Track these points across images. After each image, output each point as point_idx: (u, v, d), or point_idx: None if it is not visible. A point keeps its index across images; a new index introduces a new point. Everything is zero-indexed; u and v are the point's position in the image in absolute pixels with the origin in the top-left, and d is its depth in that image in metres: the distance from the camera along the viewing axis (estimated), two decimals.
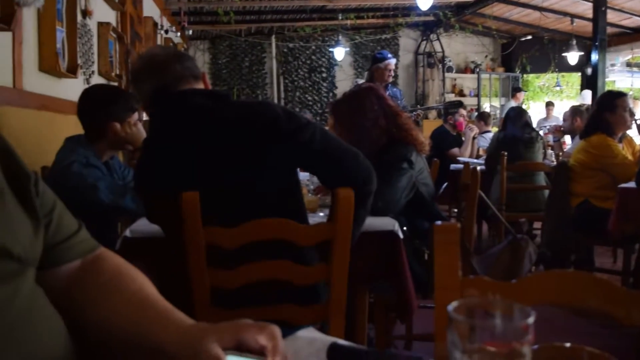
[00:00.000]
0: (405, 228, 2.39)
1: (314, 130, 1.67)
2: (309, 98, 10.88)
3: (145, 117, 2.67)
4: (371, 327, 2.52)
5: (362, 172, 1.72)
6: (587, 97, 7.89)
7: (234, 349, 0.82)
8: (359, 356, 0.88)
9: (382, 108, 2.49)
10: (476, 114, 8.01)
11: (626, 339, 3.24)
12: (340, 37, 10.21)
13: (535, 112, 10.02)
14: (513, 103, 9.36)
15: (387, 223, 2.11)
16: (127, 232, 2.01)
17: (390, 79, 5.17)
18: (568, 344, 1.03)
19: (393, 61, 5.15)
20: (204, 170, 1.68)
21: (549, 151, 5.03)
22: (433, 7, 8.13)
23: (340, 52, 10.11)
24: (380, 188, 2.29)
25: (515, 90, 9.93)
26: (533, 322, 0.62)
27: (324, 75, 10.86)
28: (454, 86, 11.18)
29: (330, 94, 10.78)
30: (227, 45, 10.58)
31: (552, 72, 10.79)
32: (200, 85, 1.78)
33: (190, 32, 9.11)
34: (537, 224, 4.87)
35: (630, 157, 3.63)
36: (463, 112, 5.90)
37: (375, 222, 2.13)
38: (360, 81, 6.20)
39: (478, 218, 5.50)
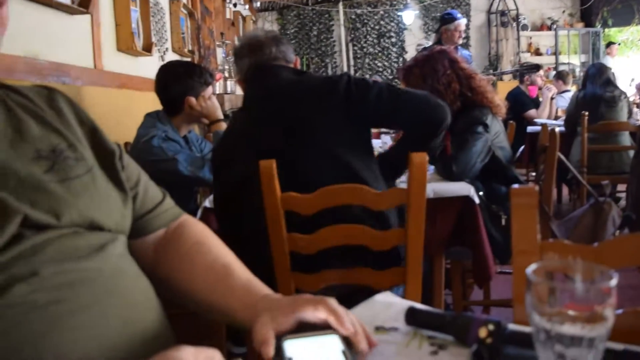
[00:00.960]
0: (481, 193, 2.35)
1: (381, 87, 1.83)
2: (379, 64, 10.75)
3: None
4: (448, 293, 2.53)
5: (436, 113, 1.85)
6: None
7: (293, 328, 0.82)
8: (436, 318, 0.89)
9: (455, 71, 2.44)
10: (554, 73, 7.68)
11: None
12: (408, 0, 9.98)
13: (621, 68, 9.46)
14: (609, 59, 8.94)
15: (463, 188, 2.10)
16: (207, 203, 2.09)
17: (461, 41, 4.94)
18: None
19: (463, 21, 4.90)
20: (287, 138, 1.80)
21: (635, 109, 4.77)
22: None
23: (409, 16, 9.90)
24: (456, 152, 2.27)
25: (609, 44, 9.45)
26: (615, 285, 0.61)
27: (393, 40, 10.68)
28: (529, 45, 10.73)
29: (400, 59, 10.60)
30: (294, 15, 10.57)
31: (636, 24, 10.15)
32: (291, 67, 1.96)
33: (258, 3, 9.17)
34: (622, 187, 4.67)
35: None
36: (540, 74, 5.67)
37: (451, 187, 2.12)
38: (427, 44, 6.00)
39: (558, 181, 5.34)
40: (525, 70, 3.95)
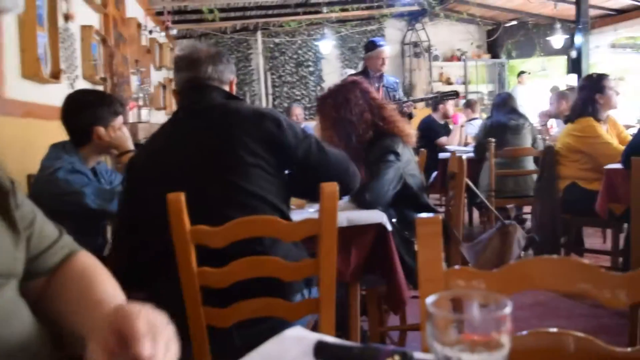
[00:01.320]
0: (394, 220, 2.39)
1: (311, 142, 1.86)
2: (297, 92, 10.86)
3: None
4: (365, 320, 2.53)
5: (351, 182, 1.94)
6: (572, 80, 7.91)
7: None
8: (344, 351, 0.88)
9: (366, 101, 2.49)
10: (464, 101, 8.02)
11: (616, 317, 3.27)
12: (325, 31, 10.19)
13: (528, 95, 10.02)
14: (520, 87, 9.46)
15: (375, 216, 2.12)
16: None
17: (384, 68, 4.96)
18: (554, 329, 1.04)
19: (386, 49, 4.86)
20: (204, 161, 1.79)
21: (539, 136, 5.04)
22: None
23: (326, 46, 10.09)
24: (369, 181, 2.30)
25: (520, 73, 10.00)
26: (510, 312, 0.62)
27: (311, 69, 10.84)
28: (441, 74, 11.18)
29: (318, 88, 10.76)
30: (213, 43, 10.53)
31: (537, 56, 10.81)
32: (226, 89, 1.94)
33: (175, 31, 9.05)
34: (527, 209, 4.90)
35: (615, 138, 3.65)
36: (451, 102, 5.90)
37: (365, 215, 2.14)
38: (350, 72, 6.09)
39: (469, 205, 5.53)
40: (445, 96, 4.06)
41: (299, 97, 10.82)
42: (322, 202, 1.64)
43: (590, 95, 3.67)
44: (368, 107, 2.47)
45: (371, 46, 4.85)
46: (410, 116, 4.41)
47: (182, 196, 1.59)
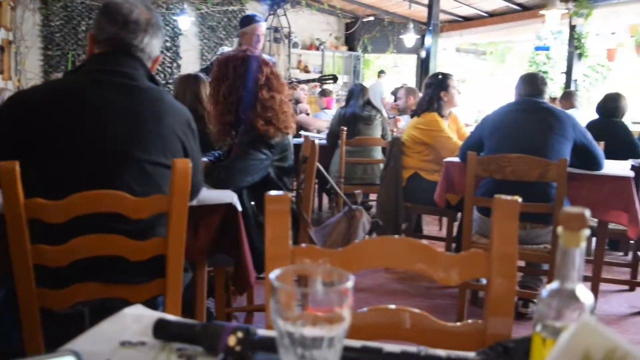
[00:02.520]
0: (253, 203, 2.37)
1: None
2: None
3: None
4: (212, 301, 2.50)
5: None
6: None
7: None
8: (186, 329, 0.85)
9: (268, 82, 2.36)
10: (318, 90, 8.19)
11: (447, 298, 3.54)
12: (185, 6, 9.86)
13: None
14: (381, 81, 9.83)
15: (226, 195, 2.08)
16: None
17: (259, 46, 4.66)
18: (392, 306, 1.09)
19: (262, 25, 4.44)
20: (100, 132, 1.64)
21: (388, 127, 5.28)
22: None
23: (185, 21, 9.77)
24: (232, 162, 2.26)
25: (380, 72, 10.37)
26: (352, 287, 0.63)
27: (168, 44, 10.44)
28: (299, 62, 11.31)
29: (175, 64, 10.41)
30: (61, 7, 9.74)
31: (390, 52, 11.32)
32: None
33: None
34: (373, 196, 5.12)
35: (455, 134, 3.92)
36: (304, 88, 5.97)
37: (215, 195, 2.10)
38: (225, 48, 5.84)
39: (319, 191, 5.67)
40: (324, 79, 3.98)
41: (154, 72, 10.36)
42: (172, 179, 1.58)
43: (435, 92, 3.92)
44: (267, 88, 2.36)
45: (246, 21, 4.43)
46: (296, 101, 4.20)
47: (16, 165, 1.45)
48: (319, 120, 6.02)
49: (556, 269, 0.60)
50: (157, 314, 0.95)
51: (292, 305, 0.62)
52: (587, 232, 0.59)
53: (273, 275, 0.63)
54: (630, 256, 4.36)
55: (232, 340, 0.79)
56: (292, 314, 0.62)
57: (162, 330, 0.86)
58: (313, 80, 3.82)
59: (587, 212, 0.59)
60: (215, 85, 2.40)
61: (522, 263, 3.31)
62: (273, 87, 2.34)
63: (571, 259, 0.60)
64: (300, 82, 3.87)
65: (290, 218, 1.02)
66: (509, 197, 1.01)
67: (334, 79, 3.90)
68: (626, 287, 3.84)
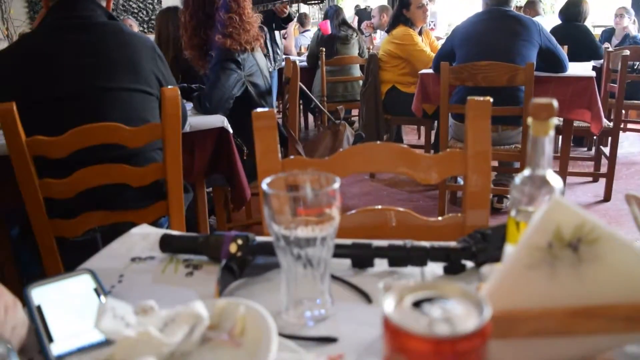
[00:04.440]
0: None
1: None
2: (133, 5, 9.99)
3: None
4: (214, 219, 2.52)
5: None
6: None
7: None
8: (189, 241, 0.86)
9: (235, 3, 2.29)
10: (297, 15, 7.95)
11: (428, 199, 3.60)
12: None
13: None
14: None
15: (217, 120, 2.06)
16: None
17: None
18: (378, 207, 1.10)
19: None
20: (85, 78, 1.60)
21: (364, 45, 5.17)
22: None
23: None
24: (209, 90, 2.21)
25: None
26: (339, 188, 0.62)
27: None
28: None
29: (156, 1, 9.98)
30: None
31: None
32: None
33: None
34: (355, 112, 5.09)
35: (427, 47, 3.84)
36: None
37: (206, 120, 2.08)
38: None
39: (304, 111, 5.61)
40: (310, 1, 3.74)
41: (135, 10, 9.97)
42: (163, 107, 1.55)
43: (398, 9, 3.84)
44: (224, 10, 2.29)
45: None
46: (289, 18, 3.93)
47: (13, 106, 1.41)
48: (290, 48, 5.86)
49: (527, 158, 0.60)
50: (162, 231, 0.95)
51: (284, 210, 0.62)
52: (555, 120, 0.59)
53: (265, 183, 0.62)
54: (593, 150, 4.41)
55: (233, 247, 0.79)
56: (285, 218, 0.62)
57: (168, 244, 0.87)
58: (297, 1, 3.63)
59: (555, 102, 0.58)
60: (182, 12, 2.37)
61: (495, 163, 3.35)
62: (231, 9, 2.28)
63: (541, 147, 0.59)
64: (286, 2, 3.67)
65: (278, 136, 1.01)
66: (481, 98, 1.00)
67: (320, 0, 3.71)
68: (590, 178, 3.91)
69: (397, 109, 3.80)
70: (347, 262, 0.79)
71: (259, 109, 1.01)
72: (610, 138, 3.50)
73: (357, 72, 4.82)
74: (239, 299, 0.56)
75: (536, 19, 5.51)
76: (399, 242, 0.78)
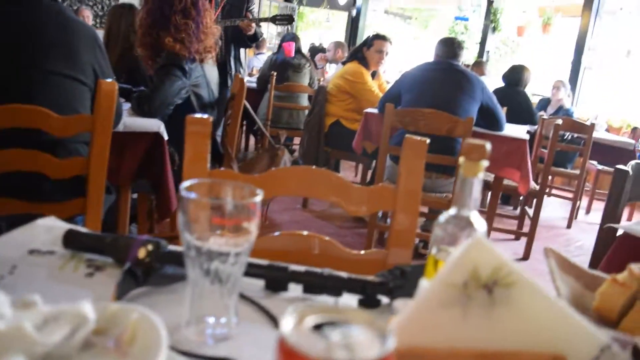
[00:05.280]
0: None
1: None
2: None
3: None
4: (136, 227, 2.41)
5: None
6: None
7: None
8: (96, 240, 0.80)
9: (195, 7, 2.23)
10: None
11: (357, 237, 3.61)
12: None
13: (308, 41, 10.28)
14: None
15: (153, 124, 1.99)
16: None
17: None
18: (305, 232, 1.07)
19: None
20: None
21: (315, 76, 5.21)
22: None
23: None
24: (151, 92, 2.14)
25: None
26: (259, 202, 0.59)
27: None
28: None
29: None
30: None
31: (324, 7, 11.10)
32: None
33: None
34: (297, 140, 5.09)
35: (377, 88, 3.92)
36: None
37: (142, 122, 2.01)
38: None
39: (247, 132, 5.56)
40: (280, 19, 3.63)
41: (91, 4, 9.69)
42: (98, 100, 1.48)
43: (360, 46, 3.91)
44: (182, 14, 2.22)
45: None
46: (255, 37, 3.72)
47: None
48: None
49: (454, 197, 0.60)
50: (69, 226, 0.88)
51: (200, 217, 0.59)
52: (485, 163, 0.58)
53: (185, 184, 0.59)
54: (518, 210, 4.59)
55: (142, 253, 0.74)
56: (199, 227, 0.59)
57: (72, 240, 0.80)
58: (267, 20, 3.56)
59: (488, 145, 0.58)
60: (141, 7, 2.30)
61: (425, 209, 3.41)
62: (190, 15, 2.22)
63: (469, 187, 0.59)
64: (255, 20, 3.61)
65: (216, 152, 0.97)
66: (418, 138, 1.00)
67: (290, 20, 3.64)
68: (512, 236, 4.04)
69: (339, 143, 3.83)
70: (261, 283, 0.76)
71: (197, 115, 0.97)
72: (535, 200, 3.64)
73: (304, 101, 4.84)
74: (133, 306, 0.51)
75: (481, 78, 5.76)
76: (316, 270, 0.75)
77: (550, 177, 5.56)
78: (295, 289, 0.76)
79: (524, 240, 3.74)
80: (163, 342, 0.45)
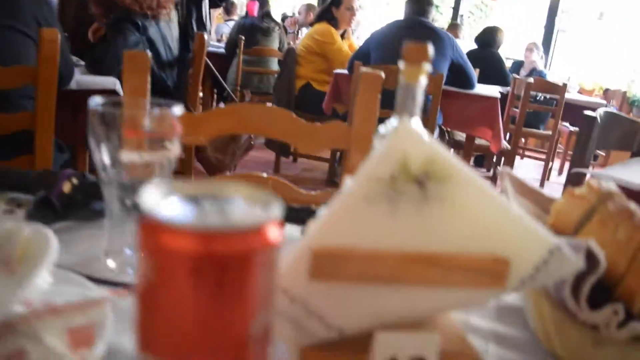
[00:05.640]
0: None
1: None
2: None
3: None
4: None
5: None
6: None
7: None
8: (20, 177, 0.74)
9: None
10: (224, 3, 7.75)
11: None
12: None
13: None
14: None
15: (108, 82, 1.91)
16: None
17: None
18: (263, 174, 1.02)
19: None
20: None
21: (285, 39, 5.09)
22: None
23: None
24: (104, 47, 2.04)
25: None
26: (178, 115, 0.54)
27: None
28: None
29: None
30: None
31: None
32: None
33: None
34: (269, 105, 5.00)
35: (346, 47, 3.83)
36: None
37: (97, 80, 1.92)
38: None
39: (217, 99, 5.45)
40: None
41: None
42: (40, 50, 1.39)
43: (328, 6, 3.80)
44: None
45: None
46: None
47: None
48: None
49: (396, 106, 0.54)
50: None
51: (113, 135, 0.53)
52: (427, 66, 0.53)
53: (96, 99, 0.53)
54: (492, 173, 4.59)
55: (66, 187, 0.68)
56: (112, 145, 0.53)
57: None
58: None
59: (430, 47, 0.53)
60: None
61: None
62: None
63: (411, 94, 0.54)
64: None
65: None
66: (373, 71, 0.95)
67: None
68: None
69: (309, 106, 3.75)
70: None
71: (133, 52, 0.90)
72: (505, 159, 3.64)
73: (274, 65, 4.73)
74: (25, 224, 0.45)
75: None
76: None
77: (523, 140, 5.59)
78: None
79: None
80: (49, 255, 0.39)
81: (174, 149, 0.54)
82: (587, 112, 1.70)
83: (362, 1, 3.91)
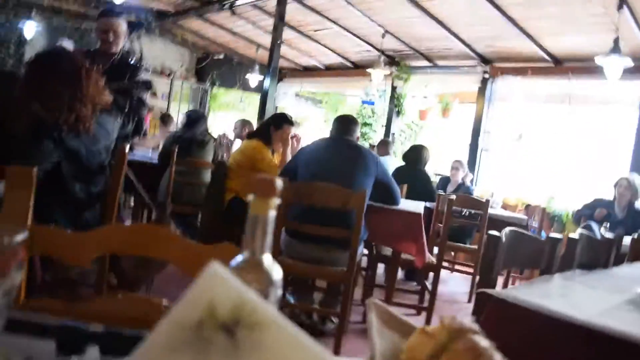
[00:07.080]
0: None
1: None
2: None
3: None
4: None
5: None
6: None
7: None
8: None
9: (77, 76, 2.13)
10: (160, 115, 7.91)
11: None
12: (35, 14, 9.07)
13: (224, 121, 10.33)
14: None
15: None
16: None
17: (115, 44, 3.40)
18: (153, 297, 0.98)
19: (113, 21, 3.34)
20: None
21: (220, 153, 5.18)
22: (136, 9, 7.81)
23: (30, 30, 8.98)
24: (16, 157, 2.01)
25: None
26: (21, 243, 0.52)
27: (12, 51, 9.49)
28: None
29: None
30: None
31: (237, 89, 11.30)
32: None
33: None
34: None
35: (276, 162, 3.92)
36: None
37: None
38: (65, 42, 5.12)
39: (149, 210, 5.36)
40: (140, 86, 3.35)
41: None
42: None
43: (267, 125, 3.94)
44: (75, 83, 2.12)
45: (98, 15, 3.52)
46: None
47: None
48: (149, 140, 5.76)
49: (244, 239, 0.55)
50: None
51: None
52: (276, 201, 0.54)
53: None
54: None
55: None
56: None
57: None
58: (124, 86, 3.21)
59: (279, 182, 0.55)
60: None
61: (324, 284, 3.35)
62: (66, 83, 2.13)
63: (261, 227, 0.55)
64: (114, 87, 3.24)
65: None
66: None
67: (148, 86, 3.46)
68: (414, 311, 4.04)
69: (238, 219, 3.74)
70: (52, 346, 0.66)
71: (17, 165, 0.88)
72: (432, 273, 3.69)
73: (208, 177, 4.75)
74: None
75: (386, 157, 5.97)
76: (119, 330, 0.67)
77: (453, 253, 5.72)
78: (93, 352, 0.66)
79: (425, 314, 3.73)
80: None
81: (15, 277, 0.52)
82: (492, 232, 1.77)
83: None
